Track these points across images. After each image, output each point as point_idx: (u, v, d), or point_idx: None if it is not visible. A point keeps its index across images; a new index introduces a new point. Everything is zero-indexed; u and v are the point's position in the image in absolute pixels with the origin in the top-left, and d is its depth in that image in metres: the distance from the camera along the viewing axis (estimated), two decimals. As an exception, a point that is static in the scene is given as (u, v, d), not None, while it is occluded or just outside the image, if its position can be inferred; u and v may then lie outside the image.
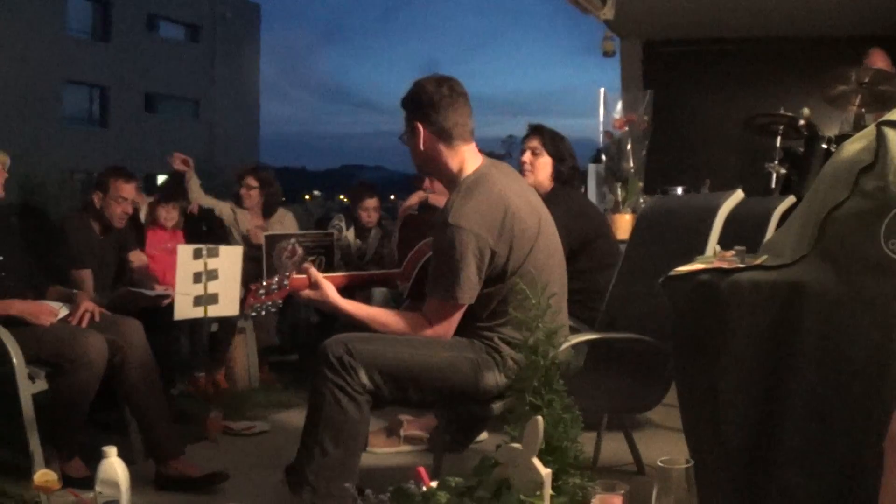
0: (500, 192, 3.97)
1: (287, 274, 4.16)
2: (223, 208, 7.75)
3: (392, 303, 6.10)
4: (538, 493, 2.25)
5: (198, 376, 6.59)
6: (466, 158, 4.11)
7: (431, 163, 4.17)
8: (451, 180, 4.15)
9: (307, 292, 4.10)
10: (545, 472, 2.26)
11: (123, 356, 4.89)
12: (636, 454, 4.93)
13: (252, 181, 7.75)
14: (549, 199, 4.36)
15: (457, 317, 3.97)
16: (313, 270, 4.11)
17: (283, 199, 8.80)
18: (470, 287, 3.87)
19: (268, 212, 7.80)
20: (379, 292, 6.63)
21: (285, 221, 7.87)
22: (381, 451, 5.36)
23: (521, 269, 3.90)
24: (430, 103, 4.05)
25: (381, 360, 3.78)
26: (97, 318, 5.02)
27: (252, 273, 6.55)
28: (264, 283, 4.14)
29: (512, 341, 3.90)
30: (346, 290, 4.25)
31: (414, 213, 7.07)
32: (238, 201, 7.83)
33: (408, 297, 4.39)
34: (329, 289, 4.08)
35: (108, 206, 6.07)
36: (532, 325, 2.66)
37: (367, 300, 6.58)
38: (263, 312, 4.22)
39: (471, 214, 3.87)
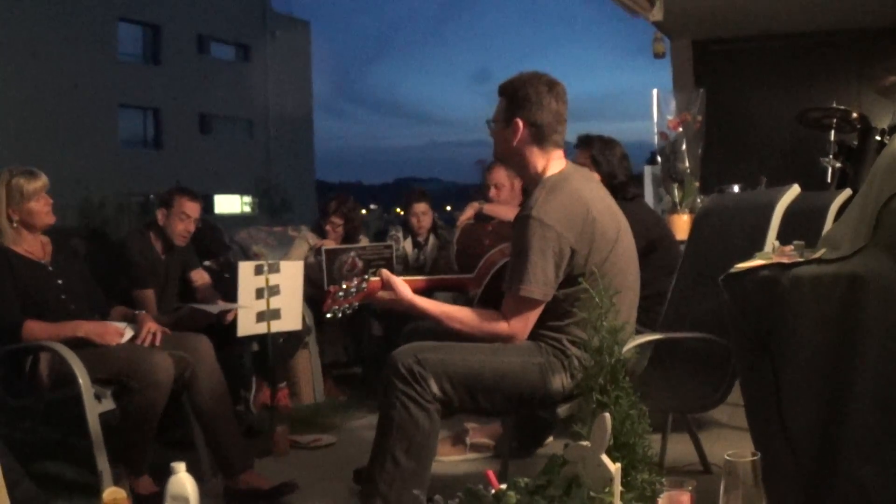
0: (583, 195, 3.97)
1: (365, 277, 4.19)
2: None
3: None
4: (608, 489, 2.26)
5: (258, 396, 6.63)
6: (552, 162, 4.09)
7: (517, 158, 4.14)
8: (531, 179, 4.14)
9: (382, 294, 4.13)
10: (614, 467, 2.27)
11: (193, 372, 4.95)
12: (702, 454, 4.90)
13: (337, 220, 7.74)
14: None
15: (534, 316, 3.95)
16: (386, 272, 4.15)
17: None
18: (545, 282, 3.85)
19: (349, 240, 7.78)
20: (442, 297, 6.63)
21: None
22: (448, 460, 5.34)
23: (599, 270, 3.84)
24: (538, 102, 4.03)
25: (450, 369, 3.80)
26: (157, 342, 5.06)
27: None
28: (343, 286, 4.16)
29: (579, 341, 3.86)
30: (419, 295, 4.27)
31: (470, 222, 7.07)
32: (321, 233, 7.83)
33: (478, 303, 4.37)
34: (403, 287, 4.11)
35: (171, 224, 6.12)
36: (597, 323, 2.67)
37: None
38: (340, 315, 4.25)
39: (553, 211, 3.86)
